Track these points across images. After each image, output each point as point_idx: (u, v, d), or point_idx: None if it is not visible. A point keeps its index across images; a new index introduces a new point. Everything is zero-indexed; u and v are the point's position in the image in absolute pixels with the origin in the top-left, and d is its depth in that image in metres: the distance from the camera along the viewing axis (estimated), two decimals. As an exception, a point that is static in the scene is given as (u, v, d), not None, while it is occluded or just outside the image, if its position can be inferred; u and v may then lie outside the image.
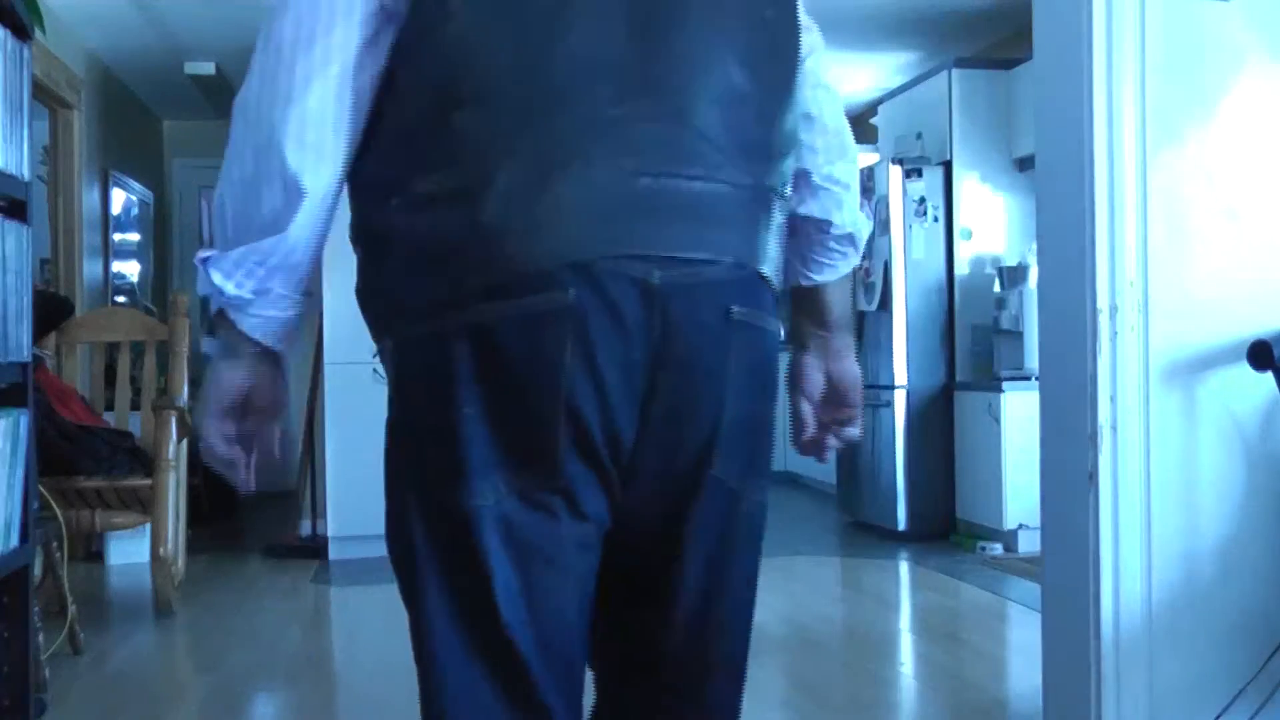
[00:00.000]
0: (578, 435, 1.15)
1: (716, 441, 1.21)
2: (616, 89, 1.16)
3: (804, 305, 1.46)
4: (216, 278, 1.17)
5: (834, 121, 1.40)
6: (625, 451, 1.17)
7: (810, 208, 1.40)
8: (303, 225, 1.16)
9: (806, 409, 1.47)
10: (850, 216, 1.42)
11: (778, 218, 1.28)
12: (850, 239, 1.43)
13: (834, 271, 1.44)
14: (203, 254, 1.19)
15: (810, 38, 1.37)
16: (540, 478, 1.16)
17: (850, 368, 1.48)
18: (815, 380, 1.46)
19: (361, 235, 1.22)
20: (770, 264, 1.26)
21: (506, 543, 1.16)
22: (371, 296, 1.23)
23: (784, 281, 1.41)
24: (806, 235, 1.41)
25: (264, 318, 1.19)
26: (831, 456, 1.56)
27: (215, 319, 1.21)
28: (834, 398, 1.47)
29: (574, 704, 1.25)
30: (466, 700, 1.20)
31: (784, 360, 1.36)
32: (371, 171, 1.19)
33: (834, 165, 1.39)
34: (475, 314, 1.14)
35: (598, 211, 1.14)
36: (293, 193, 1.15)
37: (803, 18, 1.35)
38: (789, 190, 1.32)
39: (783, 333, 1.37)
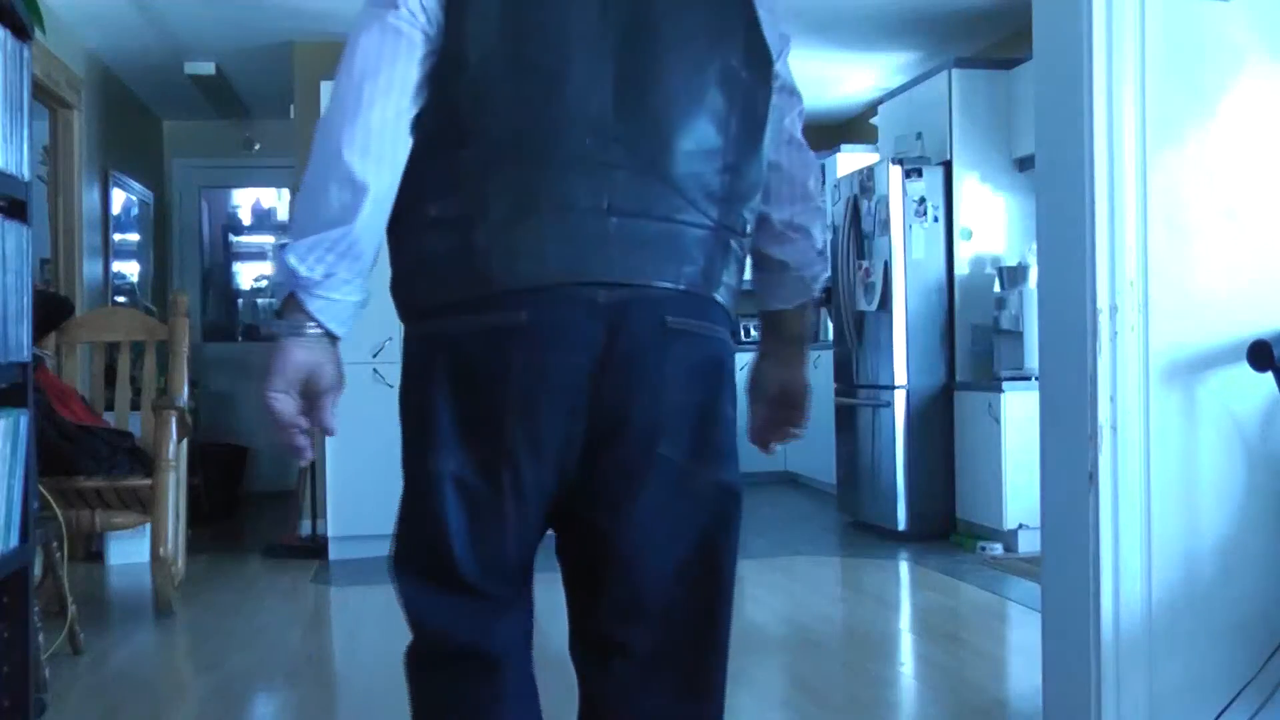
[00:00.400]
0: (524, 429, 1.40)
1: (660, 425, 1.43)
2: (600, 140, 1.40)
3: (768, 324, 1.73)
4: (292, 260, 1.38)
5: (800, 174, 1.63)
6: (576, 438, 1.41)
7: (771, 249, 1.64)
8: (366, 219, 1.38)
9: (759, 409, 1.73)
10: (804, 259, 1.65)
11: (736, 252, 1.51)
12: (802, 280, 1.66)
13: (790, 302, 1.69)
14: (280, 240, 1.44)
15: (791, 99, 1.62)
16: (489, 455, 1.42)
17: (800, 377, 1.71)
18: (769, 384, 1.71)
19: (389, 242, 1.47)
20: (723, 290, 1.49)
21: (461, 498, 1.44)
22: (394, 292, 1.50)
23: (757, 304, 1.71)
24: (769, 270, 1.67)
25: (328, 300, 1.40)
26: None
27: (285, 303, 1.41)
28: (784, 400, 1.71)
29: (509, 594, 1.51)
30: (425, 601, 1.50)
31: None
32: (398, 191, 1.43)
33: (795, 210, 1.63)
34: (452, 323, 1.42)
35: (568, 245, 1.39)
36: (359, 191, 1.37)
37: (787, 81, 1.60)
38: (750, 229, 1.55)
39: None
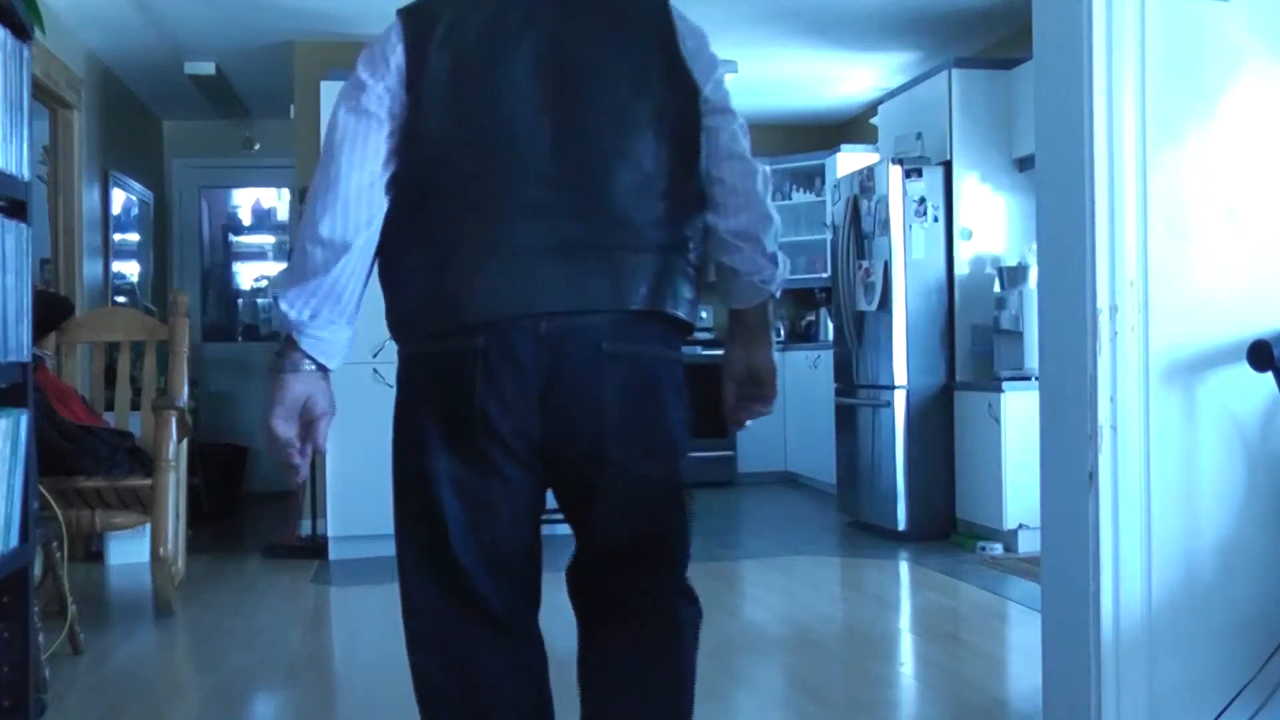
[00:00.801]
0: (490, 431, 1.66)
1: (606, 436, 1.67)
2: (543, 189, 1.65)
3: (733, 317, 1.92)
4: (283, 305, 1.67)
5: (744, 185, 1.78)
6: (536, 441, 1.67)
7: (722, 257, 1.82)
8: (342, 268, 1.66)
9: (730, 386, 1.92)
10: (754, 266, 1.81)
11: (682, 267, 1.73)
12: (754, 284, 1.83)
13: (748, 302, 1.86)
14: (275, 290, 1.69)
15: (725, 118, 1.78)
16: (470, 454, 1.67)
17: (765, 358, 1.89)
18: (737, 366, 1.90)
19: (383, 287, 1.75)
20: (673, 300, 1.71)
21: (455, 492, 1.69)
22: (389, 325, 1.75)
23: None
24: (724, 276, 1.85)
25: (317, 338, 1.68)
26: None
27: (284, 343, 1.69)
28: (751, 379, 1.90)
29: (512, 600, 1.76)
30: (424, 601, 1.75)
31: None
32: (380, 246, 1.71)
33: (743, 220, 1.78)
34: (430, 347, 1.70)
35: (518, 283, 1.64)
36: (336, 249, 1.66)
37: (719, 103, 1.77)
38: (693, 244, 1.76)
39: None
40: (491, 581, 1.72)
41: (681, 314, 1.72)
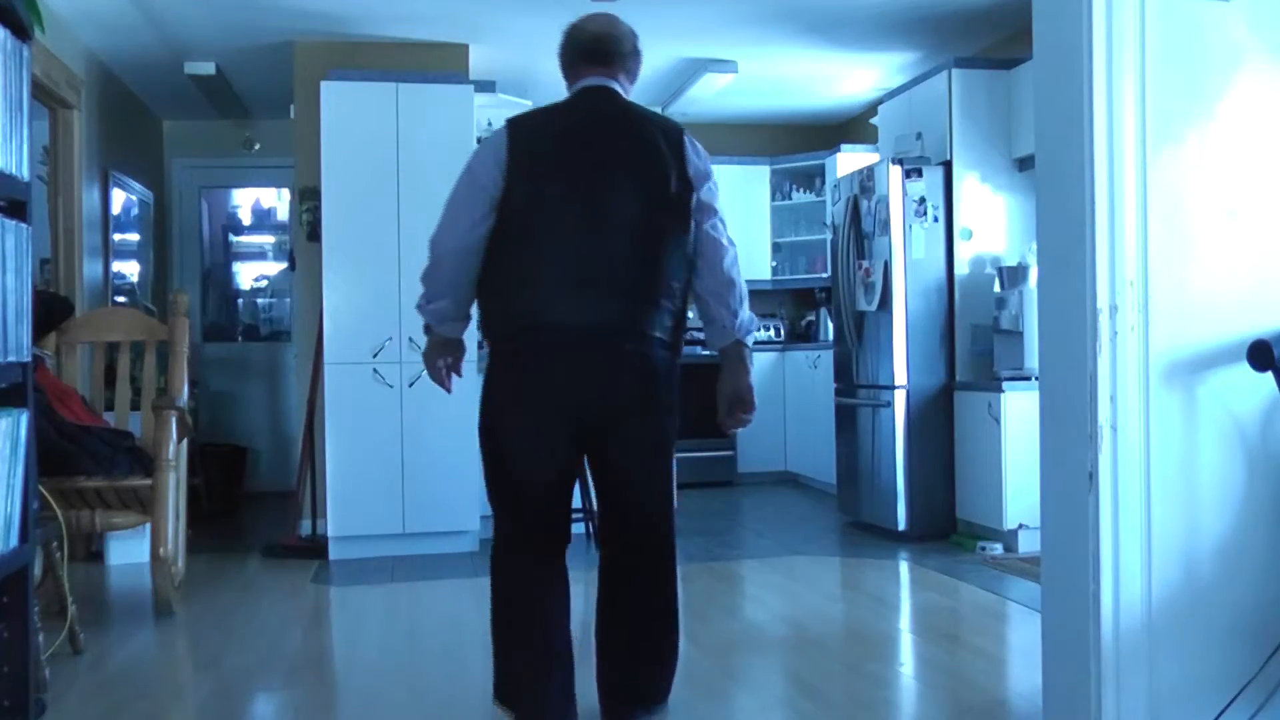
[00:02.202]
0: (542, 401, 2.64)
1: (622, 403, 2.66)
2: (578, 246, 2.63)
3: (721, 356, 2.82)
4: (424, 315, 2.79)
5: (715, 259, 2.73)
6: (575, 407, 2.63)
7: (700, 308, 2.78)
8: (460, 296, 2.76)
9: (721, 404, 2.81)
10: (718, 315, 2.76)
11: (668, 307, 2.67)
12: (723, 329, 2.76)
13: (721, 342, 2.80)
14: (419, 303, 2.77)
15: (709, 212, 2.72)
16: (529, 415, 2.65)
17: (745, 385, 2.79)
18: (724, 390, 2.81)
19: (477, 299, 2.78)
20: (659, 328, 2.67)
21: (517, 441, 2.67)
22: (479, 326, 2.81)
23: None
24: (704, 322, 2.80)
25: (444, 328, 2.81)
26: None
27: (428, 326, 2.83)
28: (734, 399, 2.80)
29: (546, 515, 2.73)
30: (497, 500, 2.78)
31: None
32: (480, 275, 2.72)
33: (712, 283, 2.73)
34: (508, 342, 2.70)
35: (559, 304, 2.61)
36: (450, 257, 2.71)
37: (706, 201, 2.72)
38: (678, 293, 2.69)
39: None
40: (533, 497, 2.67)
41: (659, 334, 2.65)
